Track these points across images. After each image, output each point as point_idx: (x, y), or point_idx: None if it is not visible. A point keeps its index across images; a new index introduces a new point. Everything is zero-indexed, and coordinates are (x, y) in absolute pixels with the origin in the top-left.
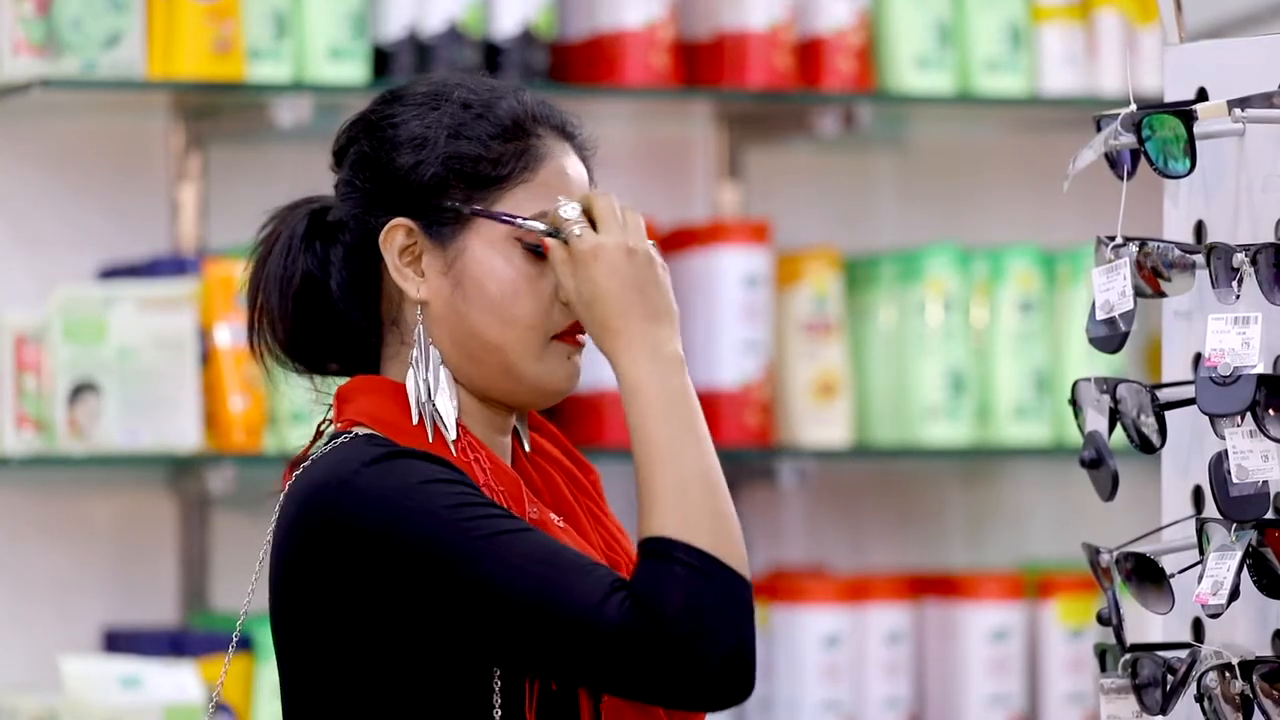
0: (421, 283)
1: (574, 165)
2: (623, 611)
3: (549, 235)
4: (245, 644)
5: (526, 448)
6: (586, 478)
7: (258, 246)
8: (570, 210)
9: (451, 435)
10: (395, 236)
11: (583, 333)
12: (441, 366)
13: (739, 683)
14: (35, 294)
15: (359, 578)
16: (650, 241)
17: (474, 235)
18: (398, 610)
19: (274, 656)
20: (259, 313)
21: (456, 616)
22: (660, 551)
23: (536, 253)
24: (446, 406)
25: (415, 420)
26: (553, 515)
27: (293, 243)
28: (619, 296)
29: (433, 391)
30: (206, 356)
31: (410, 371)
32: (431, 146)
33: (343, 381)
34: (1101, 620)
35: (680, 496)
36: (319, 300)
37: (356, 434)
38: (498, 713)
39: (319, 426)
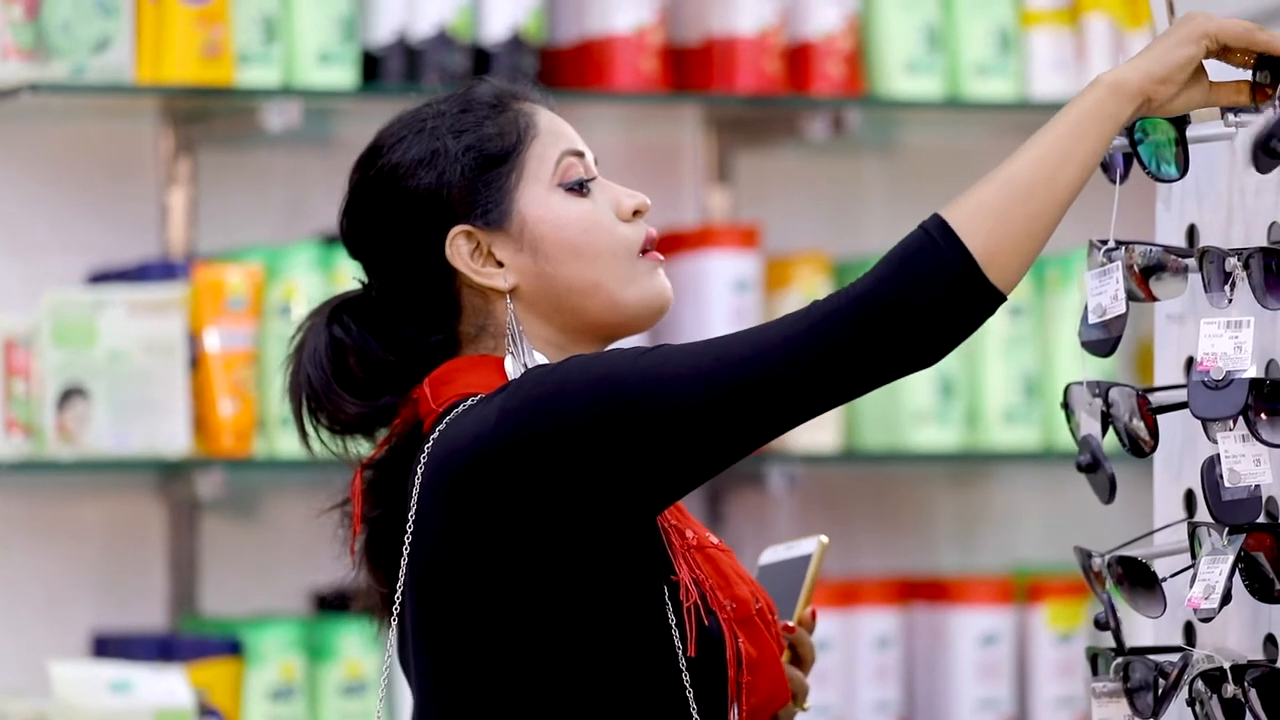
0: (503, 272)
1: (557, 116)
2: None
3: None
4: (234, 648)
5: None
6: None
7: (289, 359)
8: None
9: None
10: (459, 245)
11: (656, 247)
12: (534, 351)
13: (918, 346)
14: (24, 298)
15: (547, 485)
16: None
17: (522, 202)
18: (599, 483)
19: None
20: (313, 406)
21: (663, 425)
22: (922, 225)
23: (580, 188)
24: None
25: None
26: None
27: (317, 339)
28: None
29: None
30: (196, 361)
31: (509, 358)
32: (444, 154)
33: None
34: (1099, 625)
35: (985, 189)
36: (364, 365)
37: (478, 396)
38: (679, 645)
39: (394, 428)
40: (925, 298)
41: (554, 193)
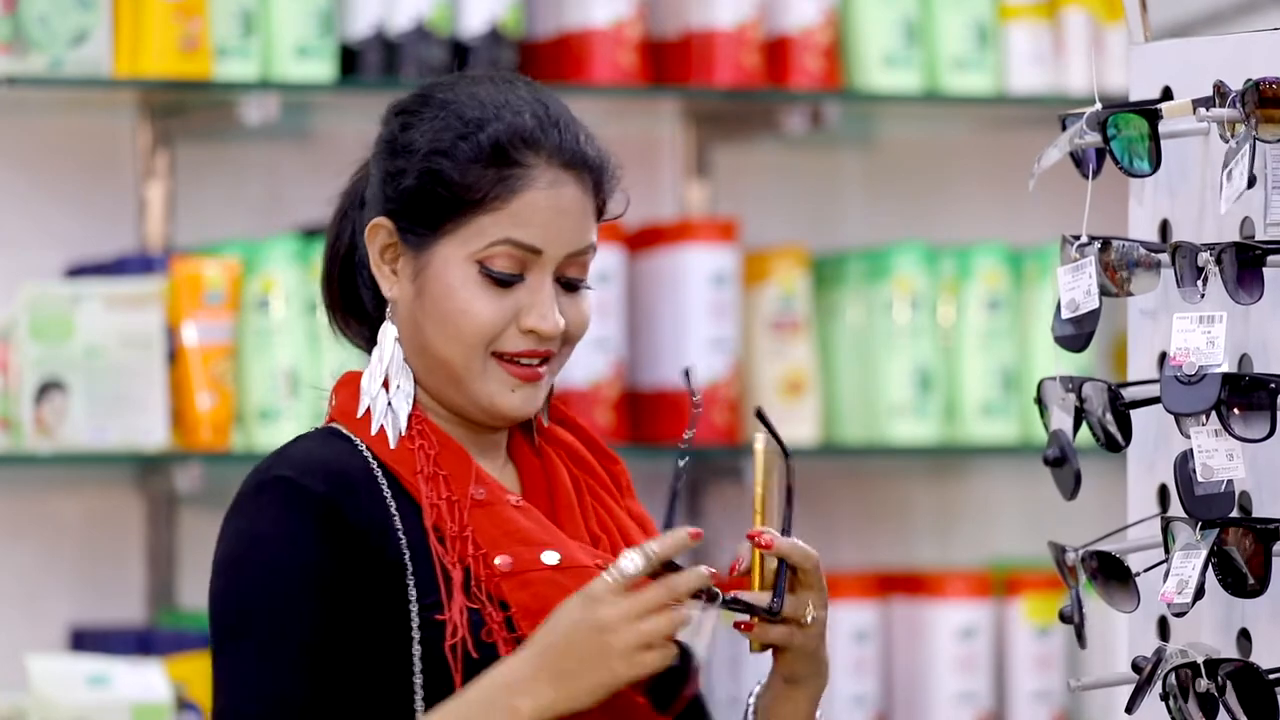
0: (395, 282)
1: (557, 198)
2: None
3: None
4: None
5: (535, 438)
6: (609, 469)
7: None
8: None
9: (400, 430)
10: (378, 234)
11: (526, 361)
12: (404, 363)
13: None
14: (2, 292)
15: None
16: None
17: (441, 249)
18: None
19: None
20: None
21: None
22: None
23: (496, 279)
24: (401, 402)
25: (361, 413)
26: (510, 495)
27: (349, 209)
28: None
29: (390, 385)
30: (174, 354)
31: (365, 375)
32: (413, 157)
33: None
34: (1064, 618)
35: None
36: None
37: (315, 429)
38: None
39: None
40: None
41: (470, 265)
